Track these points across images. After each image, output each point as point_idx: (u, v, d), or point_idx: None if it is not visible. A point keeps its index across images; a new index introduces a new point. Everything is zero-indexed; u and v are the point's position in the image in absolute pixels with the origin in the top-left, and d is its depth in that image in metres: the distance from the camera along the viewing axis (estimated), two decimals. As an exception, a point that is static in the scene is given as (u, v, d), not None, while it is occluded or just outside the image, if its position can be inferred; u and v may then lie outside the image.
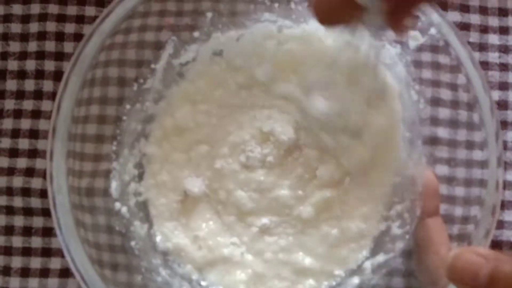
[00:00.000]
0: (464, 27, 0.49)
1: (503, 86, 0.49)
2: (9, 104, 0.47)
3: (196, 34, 0.46)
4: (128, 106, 0.44)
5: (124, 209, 0.44)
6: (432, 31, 0.42)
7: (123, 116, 0.44)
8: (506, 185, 0.48)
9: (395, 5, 0.32)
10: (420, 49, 0.44)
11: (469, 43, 0.47)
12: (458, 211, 0.43)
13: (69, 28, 0.48)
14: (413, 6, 0.34)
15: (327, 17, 0.34)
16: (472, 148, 0.43)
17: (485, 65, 0.49)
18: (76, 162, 0.41)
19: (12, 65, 0.47)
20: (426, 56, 0.44)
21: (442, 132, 0.44)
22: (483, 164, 0.41)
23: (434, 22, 0.42)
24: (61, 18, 0.48)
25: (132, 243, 0.44)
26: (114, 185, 0.44)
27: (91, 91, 0.42)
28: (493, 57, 0.49)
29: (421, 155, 0.44)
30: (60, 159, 0.39)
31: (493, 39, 0.49)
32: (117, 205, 0.44)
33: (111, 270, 0.42)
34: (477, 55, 0.49)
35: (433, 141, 0.44)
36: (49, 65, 0.47)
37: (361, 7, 0.32)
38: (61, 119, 0.39)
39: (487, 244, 0.39)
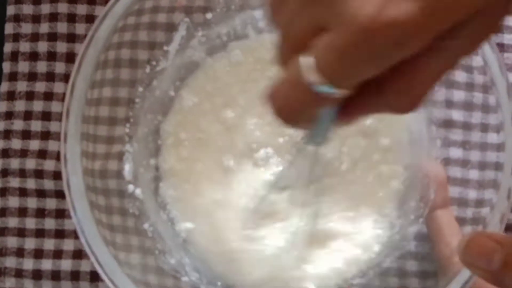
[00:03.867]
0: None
1: (519, 68, 0.48)
2: (22, 86, 0.47)
3: (208, 15, 0.45)
4: (140, 89, 0.44)
5: (138, 191, 0.44)
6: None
7: (136, 99, 0.44)
8: (521, 168, 0.47)
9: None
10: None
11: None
12: (472, 194, 0.43)
13: (81, 9, 0.47)
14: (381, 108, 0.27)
15: (290, 117, 0.27)
16: (487, 131, 0.43)
17: (500, 47, 0.48)
18: (90, 144, 0.41)
19: (24, 46, 0.47)
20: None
21: (457, 115, 0.44)
22: (499, 147, 0.41)
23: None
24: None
25: (146, 225, 0.44)
26: (127, 167, 0.44)
27: (104, 73, 0.42)
28: (509, 39, 0.48)
29: (435, 139, 0.44)
30: (74, 141, 0.39)
31: (509, 21, 0.48)
32: (131, 187, 0.44)
33: (125, 252, 0.42)
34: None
35: (448, 123, 0.44)
36: (61, 47, 0.47)
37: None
38: (75, 101, 0.39)
39: (502, 228, 0.39)
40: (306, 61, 0.24)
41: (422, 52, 0.23)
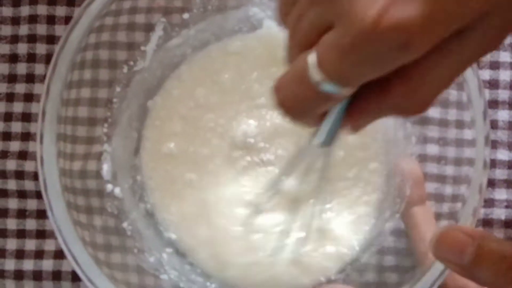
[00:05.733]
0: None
1: (494, 66, 0.49)
2: (2, 87, 0.47)
3: (185, 16, 0.46)
4: (118, 89, 0.44)
5: (117, 190, 0.44)
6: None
7: (114, 99, 0.44)
8: (497, 163, 0.48)
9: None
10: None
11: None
12: (448, 189, 0.43)
13: (60, 11, 0.48)
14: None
15: (292, 110, 0.27)
16: (462, 127, 0.43)
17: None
18: (68, 145, 0.41)
19: (4, 48, 0.47)
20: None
21: (433, 112, 0.44)
22: (472, 143, 0.41)
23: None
24: (51, 1, 0.47)
25: (124, 224, 0.44)
26: (106, 167, 0.44)
27: (81, 73, 0.42)
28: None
29: (410, 136, 0.44)
30: (50, 141, 0.39)
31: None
32: (109, 186, 0.44)
33: (104, 252, 0.42)
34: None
35: (424, 121, 0.45)
36: (41, 49, 0.48)
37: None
38: (51, 102, 0.39)
39: (474, 222, 0.40)
40: (311, 58, 0.25)
41: (432, 54, 0.23)
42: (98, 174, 0.44)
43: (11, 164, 0.47)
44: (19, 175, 0.47)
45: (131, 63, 0.45)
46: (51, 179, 0.39)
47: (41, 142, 0.39)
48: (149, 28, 0.45)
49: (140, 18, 0.45)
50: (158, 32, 0.45)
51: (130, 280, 0.43)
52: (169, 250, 0.46)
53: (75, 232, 0.39)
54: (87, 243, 0.40)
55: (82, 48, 0.41)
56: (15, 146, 0.47)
